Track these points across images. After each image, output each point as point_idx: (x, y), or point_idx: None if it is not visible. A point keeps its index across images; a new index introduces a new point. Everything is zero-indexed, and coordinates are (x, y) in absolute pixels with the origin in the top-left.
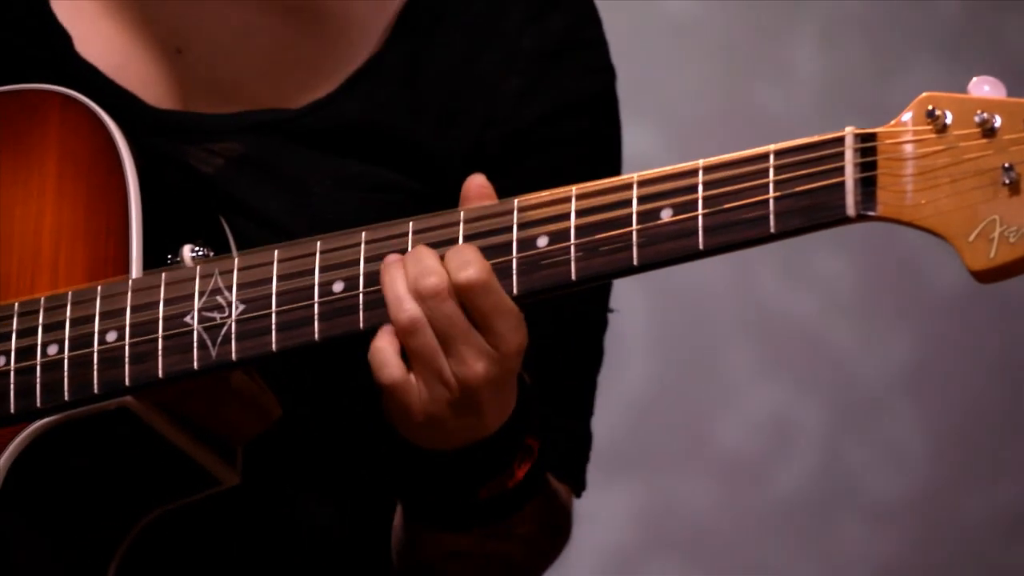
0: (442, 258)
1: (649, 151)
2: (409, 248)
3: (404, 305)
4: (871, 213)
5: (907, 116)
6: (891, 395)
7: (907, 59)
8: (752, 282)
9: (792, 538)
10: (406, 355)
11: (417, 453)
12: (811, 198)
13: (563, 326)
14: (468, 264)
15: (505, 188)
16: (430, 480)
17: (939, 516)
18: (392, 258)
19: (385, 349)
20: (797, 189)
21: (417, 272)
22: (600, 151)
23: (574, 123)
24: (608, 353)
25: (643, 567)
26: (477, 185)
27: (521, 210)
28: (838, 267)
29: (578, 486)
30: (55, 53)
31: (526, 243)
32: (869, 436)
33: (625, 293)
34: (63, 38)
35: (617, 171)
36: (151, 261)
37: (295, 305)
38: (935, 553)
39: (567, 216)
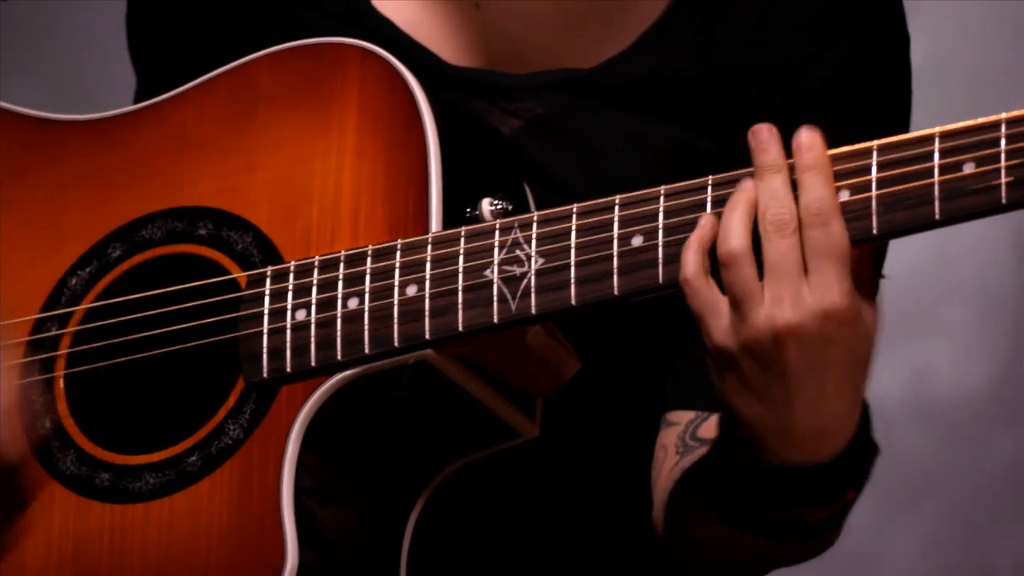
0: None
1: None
2: (708, 204)
3: (778, 209)
4: None
5: None
6: None
7: None
8: None
9: None
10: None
11: (740, 463)
12: None
13: None
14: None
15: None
16: (750, 490)
17: None
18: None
19: (690, 246)
20: None
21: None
22: (888, 112)
23: (863, 83)
24: None
25: None
26: (761, 141)
27: None
28: None
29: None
30: (352, 7)
31: None
32: None
33: None
34: None
35: (907, 123)
36: (450, 215)
37: (594, 257)
38: None
39: (868, 170)
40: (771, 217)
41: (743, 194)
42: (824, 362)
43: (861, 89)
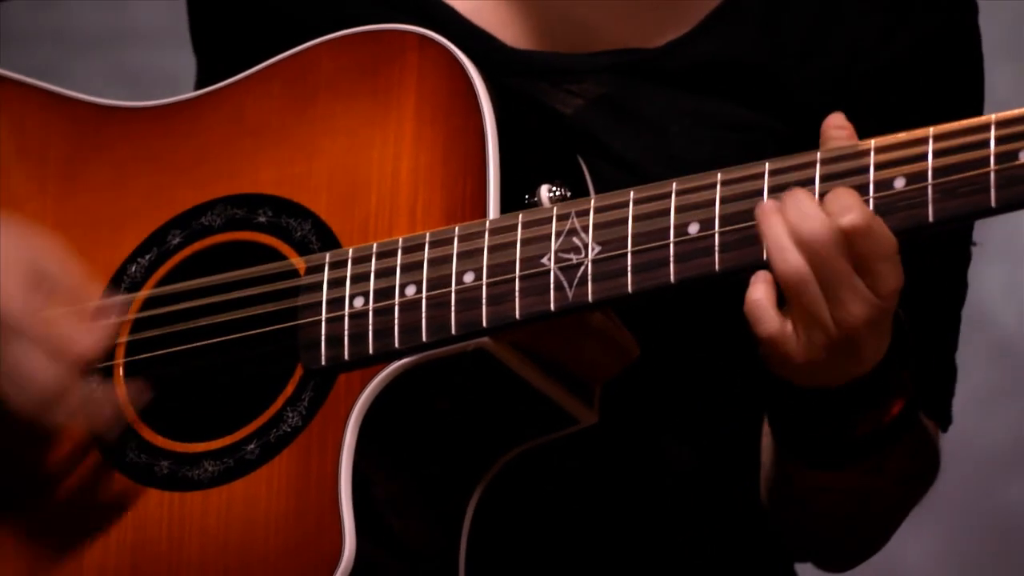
0: (821, 201)
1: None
2: (765, 190)
3: (787, 256)
4: None
5: None
6: None
7: None
8: None
9: None
10: (781, 301)
11: (791, 391)
12: None
13: (927, 260)
14: (850, 208)
15: (868, 124)
16: (806, 418)
17: None
18: (769, 204)
19: (761, 301)
20: None
21: (797, 217)
22: (961, 87)
23: (937, 58)
24: None
25: None
26: (835, 126)
27: (877, 151)
28: None
29: (944, 420)
30: None
31: (883, 184)
32: None
33: None
34: None
35: (979, 104)
36: (508, 202)
37: (651, 246)
38: None
39: (924, 157)
40: (807, 235)
41: (776, 214)
42: (884, 322)
43: (934, 66)
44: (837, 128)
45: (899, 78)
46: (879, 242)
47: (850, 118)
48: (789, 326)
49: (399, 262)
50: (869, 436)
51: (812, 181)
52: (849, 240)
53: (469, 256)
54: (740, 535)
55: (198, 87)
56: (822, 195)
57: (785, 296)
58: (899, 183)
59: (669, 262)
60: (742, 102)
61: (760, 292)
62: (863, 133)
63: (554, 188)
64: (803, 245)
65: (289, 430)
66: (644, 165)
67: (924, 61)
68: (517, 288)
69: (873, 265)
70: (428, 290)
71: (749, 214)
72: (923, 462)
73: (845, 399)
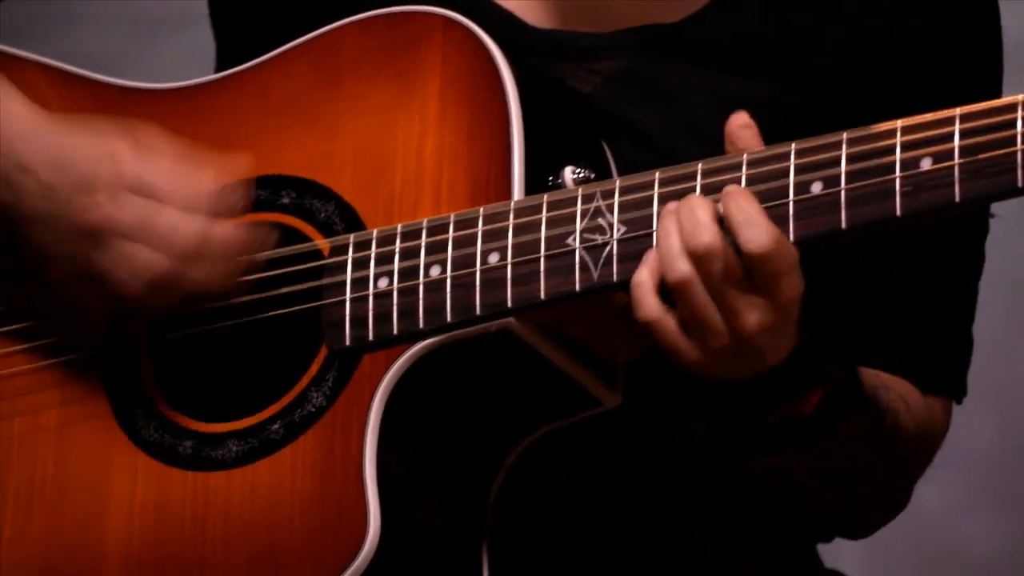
0: (720, 206)
1: None
2: (792, 173)
3: (675, 264)
4: None
5: None
6: None
7: None
8: None
9: None
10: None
11: (700, 382)
12: None
13: (944, 232)
14: (752, 225)
15: (882, 97)
16: (716, 407)
17: None
18: (670, 207)
19: (643, 284)
20: None
21: (690, 227)
22: (979, 59)
23: (951, 30)
24: None
25: None
26: (740, 125)
27: (904, 132)
28: None
29: (959, 392)
30: None
31: (909, 164)
32: None
33: None
34: None
35: (998, 79)
36: (532, 183)
37: None
38: None
39: (951, 138)
40: (699, 248)
41: (672, 218)
42: (786, 325)
43: (949, 38)
44: (742, 127)
45: (913, 50)
46: (782, 260)
47: (865, 91)
48: (672, 320)
49: (424, 243)
50: (785, 425)
51: (838, 162)
52: (749, 261)
53: (494, 237)
54: (759, 515)
55: (218, 69)
56: (757, 191)
57: (673, 300)
58: (926, 163)
59: None
60: (758, 76)
61: (644, 275)
62: (877, 106)
63: (578, 170)
64: (693, 256)
65: (313, 410)
66: (665, 139)
67: (938, 33)
68: (542, 268)
69: (773, 282)
70: (453, 270)
71: (776, 195)
72: (888, 443)
73: (749, 392)
